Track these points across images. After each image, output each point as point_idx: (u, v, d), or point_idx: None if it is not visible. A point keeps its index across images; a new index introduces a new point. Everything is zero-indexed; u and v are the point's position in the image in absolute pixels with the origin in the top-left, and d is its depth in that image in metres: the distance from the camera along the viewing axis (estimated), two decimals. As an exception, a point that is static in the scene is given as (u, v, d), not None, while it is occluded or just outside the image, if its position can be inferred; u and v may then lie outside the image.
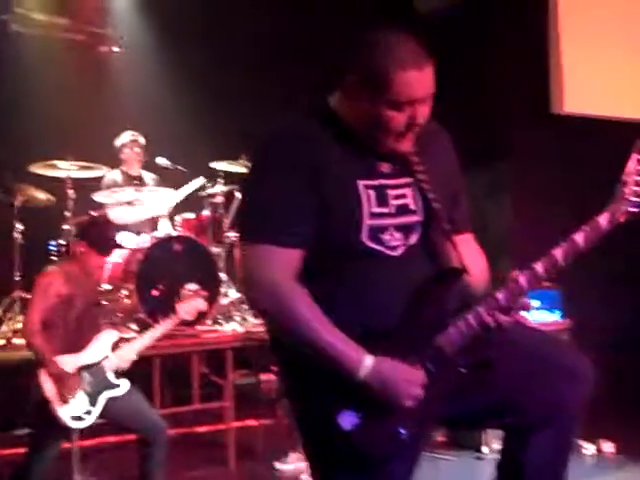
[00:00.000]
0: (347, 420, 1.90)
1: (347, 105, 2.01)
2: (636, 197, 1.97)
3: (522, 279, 1.96)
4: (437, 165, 2.08)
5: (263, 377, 5.36)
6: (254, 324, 5.10)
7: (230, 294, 5.57)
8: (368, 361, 1.88)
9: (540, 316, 4.92)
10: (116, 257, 5.15)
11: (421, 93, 1.92)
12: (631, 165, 1.99)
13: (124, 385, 3.72)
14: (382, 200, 2.00)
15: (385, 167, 2.03)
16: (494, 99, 5.57)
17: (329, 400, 1.91)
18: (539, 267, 1.97)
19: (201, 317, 4.81)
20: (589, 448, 4.67)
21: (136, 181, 5.81)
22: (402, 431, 1.91)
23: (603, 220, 1.99)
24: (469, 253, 2.14)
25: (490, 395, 2.01)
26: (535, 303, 4.89)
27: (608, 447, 4.70)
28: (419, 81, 1.91)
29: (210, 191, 5.85)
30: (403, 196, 2.03)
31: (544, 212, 5.65)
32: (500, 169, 5.73)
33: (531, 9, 5.69)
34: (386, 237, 1.99)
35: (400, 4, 6.39)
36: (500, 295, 1.96)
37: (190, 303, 4.09)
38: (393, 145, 1.99)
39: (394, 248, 2.00)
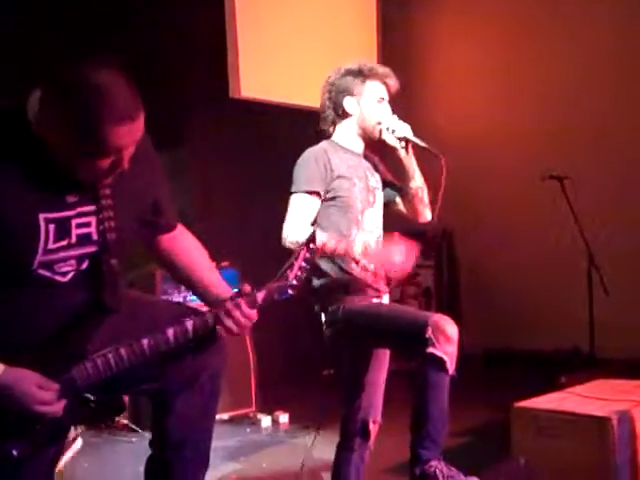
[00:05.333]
0: None
1: (45, 126, 1.82)
2: (295, 280, 2.12)
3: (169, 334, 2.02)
4: (129, 181, 1.99)
5: None
6: None
7: None
8: None
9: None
10: None
11: (132, 141, 1.85)
12: (300, 252, 2.15)
13: None
14: (63, 232, 1.92)
15: (72, 197, 1.93)
16: (173, 83, 5.56)
17: None
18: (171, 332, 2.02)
19: None
20: (266, 420, 4.90)
21: None
22: (14, 452, 1.87)
23: (260, 295, 2.10)
24: (187, 245, 2.27)
25: (128, 375, 2.03)
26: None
27: (283, 417, 4.96)
28: (133, 132, 1.83)
29: None
30: (87, 224, 1.97)
31: (220, 194, 5.78)
32: (180, 153, 5.75)
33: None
34: (59, 265, 1.94)
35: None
36: (145, 341, 1.99)
37: None
38: (92, 181, 1.91)
39: (64, 274, 1.97)
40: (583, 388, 3.50)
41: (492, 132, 6.70)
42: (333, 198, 2.89)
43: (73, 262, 1.97)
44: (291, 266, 2.12)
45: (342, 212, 2.90)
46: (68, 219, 1.93)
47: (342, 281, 2.90)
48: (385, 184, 3.10)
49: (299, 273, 2.11)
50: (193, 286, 2.27)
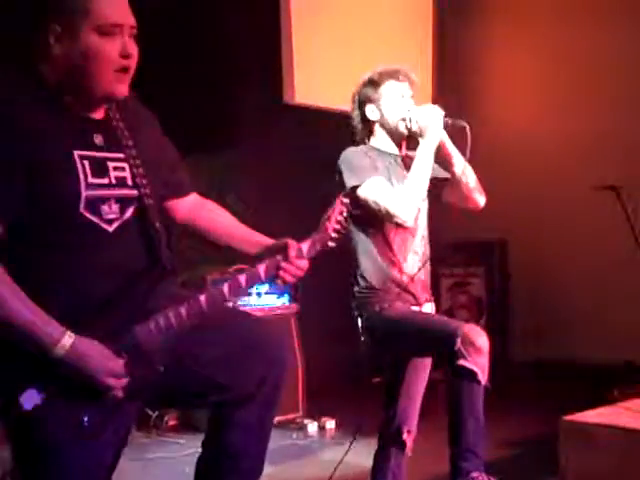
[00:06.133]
0: (29, 400, 1.85)
1: (52, 63, 1.97)
2: (335, 233, 2.16)
3: (224, 289, 2.05)
4: (147, 141, 2.12)
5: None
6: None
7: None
8: (68, 339, 1.85)
9: (268, 300, 5.06)
10: None
11: (123, 18, 1.96)
12: (337, 204, 2.19)
13: None
14: (100, 171, 1.98)
15: (99, 139, 2.02)
16: (226, 87, 5.60)
17: (16, 377, 1.86)
18: (226, 287, 2.06)
19: None
20: (312, 425, 4.90)
21: None
22: (85, 419, 1.88)
23: (305, 246, 2.15)
24: (209, 208, 2.35)
25: (193, 374, 2.08)
26: (264, 287, 5.03)
27: (329, 424, 4.95)
28: (118, 3, 1.96)
29: None
30: (122, 169, 2.04)
31: (274, 200, 5.79)
32: (233, 157, 5.79)
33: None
34: (105, 208, 1.98)
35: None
36: (202, 297, 2.02)
37: None
38: (108, 88, 1.98)
39: (110, 222, 1.99)
40: (635, 403, 3.43)
41: (547, 140, 6.61)
42: None
43: (116, 208, 2.00)
44: (329, 219, 2.16)
45: None
46: (103, 160, 2.01)
47: (380, 287, 2.91)
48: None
49: (337, 226, 2.16)
50: (231, 241, 2.32)
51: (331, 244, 2.17)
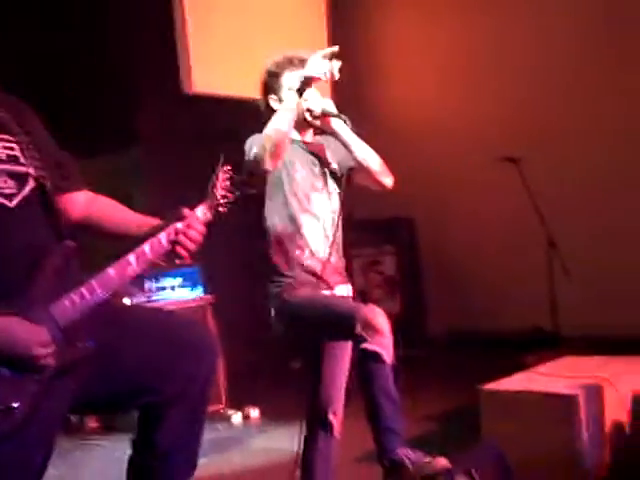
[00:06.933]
0: None
1: None
2: (223, 199, 2.24)
3: (131, 259, 2.04)
4: (31, 132, 2.09)
5: None
6: None
7: None
8: None
9: (182, 293, 5.03)
10: None
11: None
12: (218, 170, 2.26)
13: None
14: None
15: None
16: (122, 81, 5.51)
17: None
18: (133, 257, 2.05)
19: None
20: (237, 415, 4.90)
21: None
22: (15, 405, 1.82)
23: (197, 210, 2.19)
24: (103, 202, 2.30)
25: (120, 379, 2.04)
26: (177, 281, 4.99)
27: (254, 413, 4.96)
28: None
29: None
30: (11, 148, 2.01)
31: (177, 192, 5.74)
32: (134, 152, 5.71)
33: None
34: (0, 183, 1.95)
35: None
36: (112, 270, 2.01)
37: None
38: None
39: (9, 197, 1.95)
40: (548, 367, 3.54)
41: (448, 116, 6.74)
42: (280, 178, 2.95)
43: (12, 183, 1.97)
44: (214, 185, 2.23)
45: (288, 194, 2.95)
46: None
47: (289, 273, 2.93)
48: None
49: (223, 192, 2.24)
50: (127, 228, 2.26)
51: (222, 209, 2.23)
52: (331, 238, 3.01)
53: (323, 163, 3.09)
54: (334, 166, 3.09)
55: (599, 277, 5.77)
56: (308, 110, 2.99)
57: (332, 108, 2.99)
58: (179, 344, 2.11)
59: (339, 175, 3.06)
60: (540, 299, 5.41)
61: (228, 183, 2.26)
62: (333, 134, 3.02)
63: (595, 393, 3.16)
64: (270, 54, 3.13)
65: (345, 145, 3.01)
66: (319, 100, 3.00)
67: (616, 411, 3.22)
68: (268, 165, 2.77)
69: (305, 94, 2.94)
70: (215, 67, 5.89)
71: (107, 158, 5.48)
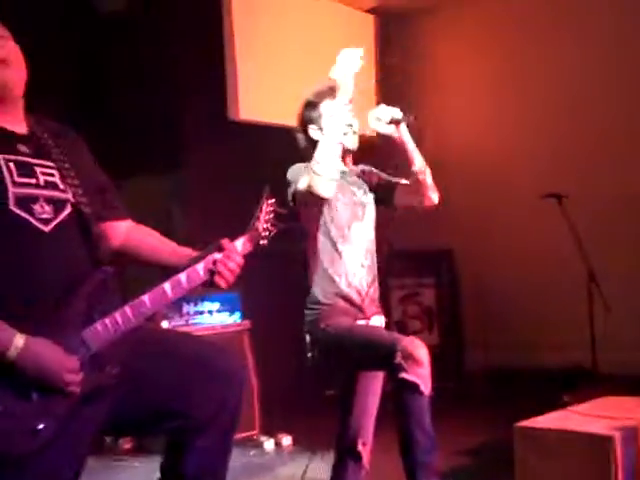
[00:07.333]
0: None
1: None
2: (265, 231, 2.27)
3: (166, 287, 2.07)
4: (75, 158, 2.14)
5: None
6: None
7: None
8: (19, 339, 1.83)
9: (220, 318, 5.04)
10: None
11: None
12: (262, 203, 2.28)
13: None
14: (27, 172, 2.00)
15: (23, 148, 2.05)
16: (172, 104, 5.58)
17: None
18: (168, 286, 2.09)
19: None
20: (269, 443, 4.89)
21: None
22: (41, 426, 1.85)
23: (237, 242, 2.22)
24: (143, 231, 2.34)
25: (148, 403, 2.07)
26: (215, 305, 5.01)
27: (286, 440, 4.95)
28: None
29: None
30: (51, 174, 2.06)
31: (217, 217, 5.78)
32: (180, 175, 5.77)
33: (207, 16, 5.78)
34: (37, 208, 1.98)
35: (78, 5, 6.19)
36: (146, 298, 2.03)
37: None
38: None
39: (45, 222, 1.99)
40: (586, 406, 3.49)
41: (495, 150, 6.70)
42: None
43: (49, 209, 2.01)
44: (257, 218, 2.25)
45: (328, 222, 2.96)
46: (29, 163, 2.03)
47: (326, 301, 2.93)
48: (379, 186, 3.13)
49: (266, 225, 2.26)
50: (160, 257, 2.31)
51: (262, 242, 2.26)
52: (367, 267, 3.01)
53: (365, 189, 3.10)
54: (384, 176, 3.11)
55: (640, 315, 5.68)
56: (377, 119, 2.98)
57: (400, 114, 2.98)
58: (209, 370, 2.12)
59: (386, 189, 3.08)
60: (580, 336, 5.34)
61: (271, 216, 2.27)
62: (399, 144, 3.00)
63: (632, 435, 3.10)
64: (315, 81, 3.16)
65: (408, 154, 3.00)
66: (387, 109, 3.00)
67: (653, 454, 3.16)
68: (324, 192, 2.78)
69: (347, 117, 2.94)
70: (263, 94, 5.91)
71: (152, 179, 5.55)
